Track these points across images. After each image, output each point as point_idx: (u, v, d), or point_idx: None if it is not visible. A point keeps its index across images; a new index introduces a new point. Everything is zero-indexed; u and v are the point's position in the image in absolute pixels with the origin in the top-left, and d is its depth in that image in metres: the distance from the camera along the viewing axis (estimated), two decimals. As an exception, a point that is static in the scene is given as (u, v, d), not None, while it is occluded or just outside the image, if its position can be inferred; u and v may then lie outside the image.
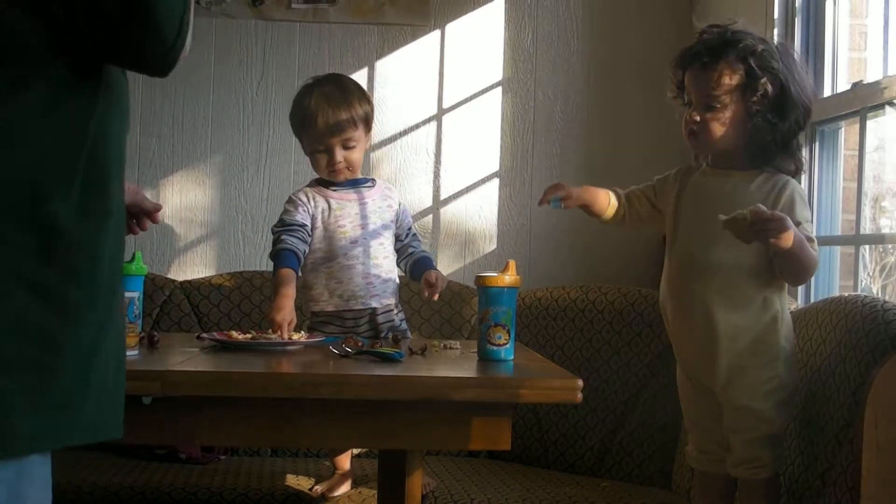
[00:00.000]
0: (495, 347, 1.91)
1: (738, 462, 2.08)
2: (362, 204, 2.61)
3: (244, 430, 1.72)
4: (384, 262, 2.61)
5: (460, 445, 1.80)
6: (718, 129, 2.11)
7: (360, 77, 3.34)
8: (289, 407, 1.67)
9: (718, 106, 2.09)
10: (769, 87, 2.06)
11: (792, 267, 2.01)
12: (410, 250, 2.65)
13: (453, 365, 1.91)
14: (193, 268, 3.38)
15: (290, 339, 2.15)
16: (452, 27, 3.45)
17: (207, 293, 3.21)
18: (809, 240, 2.01)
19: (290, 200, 2.60)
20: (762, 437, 2.05)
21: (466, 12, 3.46)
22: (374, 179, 2.69)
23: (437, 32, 3.45)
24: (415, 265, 2.62)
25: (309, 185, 2.64)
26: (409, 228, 2.70)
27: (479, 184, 3.46)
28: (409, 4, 3.41)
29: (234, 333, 2.12)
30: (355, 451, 2.87)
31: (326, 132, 2.53)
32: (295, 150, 3.36)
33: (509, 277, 1.93)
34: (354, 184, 2.63)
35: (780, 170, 2.11)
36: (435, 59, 3.45)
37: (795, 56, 2.15)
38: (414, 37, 3.44)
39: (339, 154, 2.55)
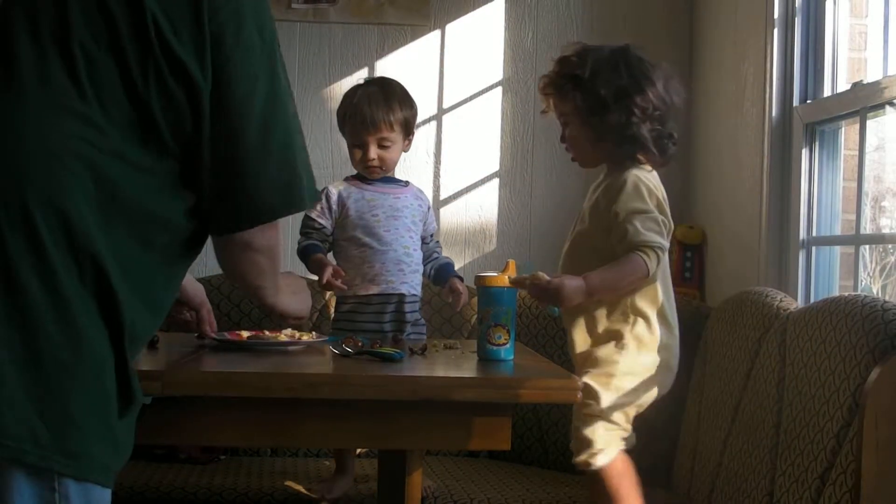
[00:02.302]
0: (495, 347, 1.91)
1: None
2: (395, 198, 2.68)
3: (244, 430, 1.72)
4: (414, 254, 2.68)
5: (460, 445, 1.80)
6: (578, 145, 2.23)
7: (359, 77, 3.33)
8: (289, 407, 1.67)
9: (568, 124, 2.22)
10: (577, 95, 2.14)
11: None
12: (434, 255, 2.75)
13: (453, 365, 1.91)
14: (194, 268, 3.36)
15: (291, 338, 2.15)
16: (452, 27, 3.45)
17: (207, 293, 3.19)
18: (636, 232, 2.08)
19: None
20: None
21: (466, 12, 3.46)
22: (408, 182, 2.77)
23: (437, 32, 3.45)
24: (439, 270, 2.72)
25: (346, 179, 2.73)
26: (433, 234, 2.78)
27: (479, 184, 3.46)
28: (409, 4, 3.41)
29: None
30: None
31: (363, 129, 2.62)
32: (295, 150, 3.36)
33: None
34: (388, 182, 2.71)
35: (643, 163, 2.18)
36: (435, 59, 3.45)
37: (630, 56, 2.17)
38: (414, 37, 3.44)
39: (374, 151, 2.63)
